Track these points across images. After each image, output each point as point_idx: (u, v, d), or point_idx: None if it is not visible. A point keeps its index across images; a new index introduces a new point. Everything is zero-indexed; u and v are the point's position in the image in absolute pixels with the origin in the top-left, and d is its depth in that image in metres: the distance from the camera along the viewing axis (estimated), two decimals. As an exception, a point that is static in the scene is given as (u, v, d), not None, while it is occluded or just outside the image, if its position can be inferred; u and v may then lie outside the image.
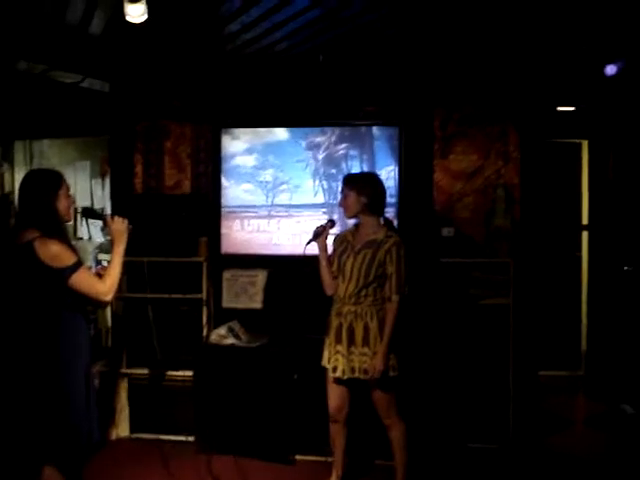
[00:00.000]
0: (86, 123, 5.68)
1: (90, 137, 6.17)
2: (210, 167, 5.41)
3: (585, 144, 6.48)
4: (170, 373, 5.27)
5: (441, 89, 5.13)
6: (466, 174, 5.18)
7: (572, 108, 5.78)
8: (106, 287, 3.24)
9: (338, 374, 3.95)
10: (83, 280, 3.19)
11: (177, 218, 5.26)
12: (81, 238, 6.56)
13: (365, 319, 3.90)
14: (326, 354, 4.05)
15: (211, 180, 5.38)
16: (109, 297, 3.27)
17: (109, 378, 5.32)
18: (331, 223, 4.14)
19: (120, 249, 3.37)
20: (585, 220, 6.52)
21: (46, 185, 3.25)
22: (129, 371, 5.37)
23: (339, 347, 3.95)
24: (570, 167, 6.52)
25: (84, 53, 4.62)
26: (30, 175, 3.39)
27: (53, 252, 3.12)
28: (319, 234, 4.08)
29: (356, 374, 3.90)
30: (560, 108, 5.75)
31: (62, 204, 3.28)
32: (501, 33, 4.45)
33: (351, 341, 3.91)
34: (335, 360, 3.97)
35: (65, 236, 3.29)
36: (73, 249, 3.25)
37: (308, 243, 4.08)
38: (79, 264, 3.20)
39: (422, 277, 4.83)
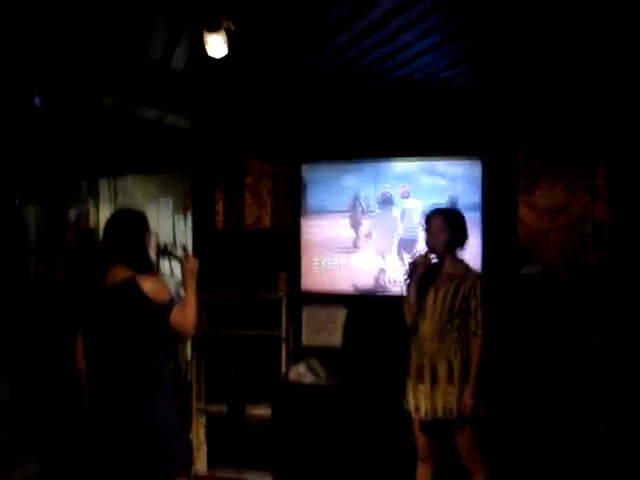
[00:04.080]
0: (168, 160, 5.77)
1: (172, 174, 6.25)
2: (290, 202, 5.40)
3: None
4: (249, 409, 5.24)
5: (526, 123, 5.00)
6: (552, 210, 5.00)
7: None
8: (190, 324, 3.27)
9: (421, 415, 3.84)
10: (178, 316, 3.23)
11: (257, 254, 5.28)
12: (163, 274, 6.62)
13: (448, 356, 3.78)
14: (409, 396, 3.94)
15: (291, 215, 5.37)
16: (192, 333, 3.32)
17: (187, 413, 5.32)
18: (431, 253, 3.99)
19: (193, 286, 3.38)
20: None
21: (138, 225, 3.33)
22: (207, 407, 5.37)
23: (421, 387, 3.84)
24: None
25: (166, 89, 4.68)
26: (121, 215, 3.46)
27: (156, 287, 3.19)
28: (417, 267, 3.94)
29: (439, 414, 3.78)
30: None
31: (148, 244, 3.35)
32: (585, 66, 4.32)
33: (434, 380, 3.80)
34: (417, 400, 3.86)
35: (156, 273, 3.41)
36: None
37: (406, 278, 3.98)
38: (174, 300, 3.26)
39: (504, 316, 4.68)
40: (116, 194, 6.66)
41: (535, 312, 4.79)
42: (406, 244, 4.96)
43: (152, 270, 3.32)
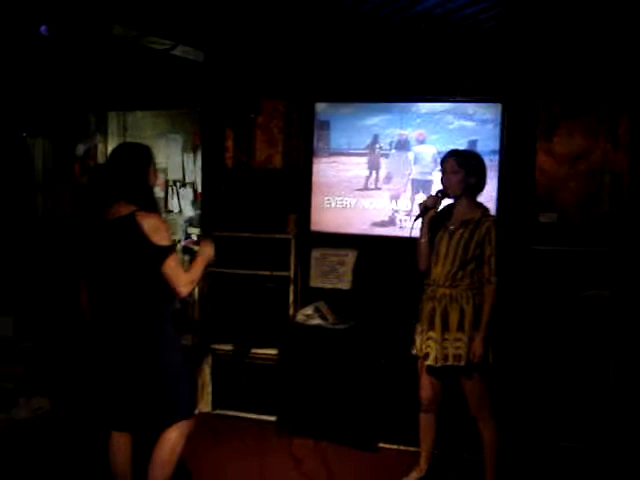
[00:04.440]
0: (179, 95, 5.62)
1: (182, 110, 6.12)
2: (302, 142, 5.27)
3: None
4: (255, 350, 5.20)
5: (548, 67, 4.83)
6: (571, 157, 4.87)
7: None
8: (186, 282, 3.18)
9: (430, 362, 3.77)
10: (173, 266, 3.14)
11: (267, 193, 5.18)
12: (171, 211, 6.55)
13: (460, 303, 3.70)
14: (418, 341, 3.88)
15: (302, 155, 5.25)
16: (184, 293, 3.20)
17: (194, 352, 5.29)
18: (442, 194, 3.89)
19: (203, 265, 3.34)
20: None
21: (141, 160, 3.24)
22: (214, 346, 5.33)
23: (431, 333, 3.77)
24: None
25: (177, 18, 4.50)
26: (123, 148, 3.40)
27: (156, 226, 3.11)
28: (428, 208, 3.87)
29: (449, 361, 3.71)
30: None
31: (152, 179, 3.28)
32: (610, 10, 4.13)
33: (445, 326, 3.73)
34: (427, 347, 3.79)
35: (160, 212, 3.32)
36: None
37: (416, 219, 3.90)
38: (174, 247, 3.20)
39: (518, 265, 4.59)
40: (125, 129, 6.54)
41: (550, 261, 4.69)
42: (420, 186, 4.85)
43: (155, 208, 3.24)
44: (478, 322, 3.68)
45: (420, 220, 3.89)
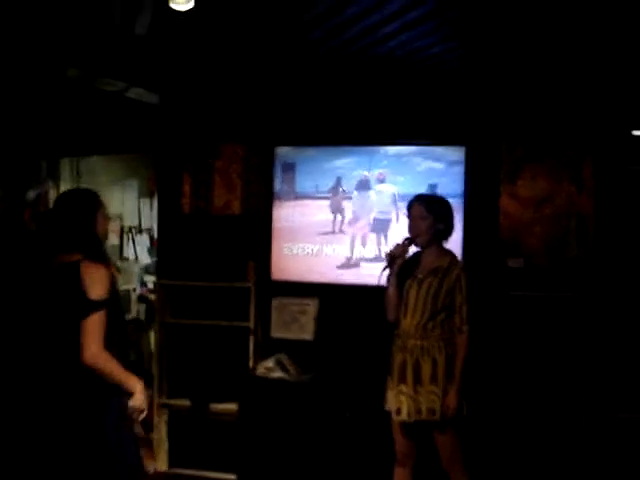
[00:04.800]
0: (134, 139, 5.47)
1: (138, 154, 5.96)
2: (261, 187, 5.13)
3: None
4: (213, 405, 5.00)
5: (510, 110, 4.80)
6: (536, 201, 4.80)
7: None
8: (97, 354, 2.84)
9: (403, 416, 3.62)
10: (95, 322, 2.86)
11: (225, 240, 5.04)
12: (127, 258, 6.37)
13: (433, 354, 3.58)
14: (389, 395, 3.72)
15: (262, 201, 5.10)
16: (86, 360, 2.84)
17: (149, 408, 5.05)
18: (409, 241, 3.75)
19: (124, 382, 2.97)
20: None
21: (88, 206, 3.09)
22: (170, 401, 5.11)
23: (403, 387, 3.62)
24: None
25: (129, 59, 4.35)
26: (70, 195, 3.28)
27: (97, 277, 2.92)
28: (395, 257, 3.72)
29: (423, 415, 3.57)
30: (636, 132, 5.34)
31: (100, 225, 3.11)
32: (573, 55, 4.14)
33: (417, 379, 3.59)
34: (399, 401, 3.63)
35: (108, 261, 3.14)
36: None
37: (384, 269, 3.76)
38: (104, 304, 2.91)
39: (488, 311, 4.47)
40: (79, 174, 6.37)
41: (519, 307, 4.60)
42: (380, 225, 4.76)
43: (102, 257, 3.04)
44: (451, 373, 3.56)
45: (388, 270, 3.75)
